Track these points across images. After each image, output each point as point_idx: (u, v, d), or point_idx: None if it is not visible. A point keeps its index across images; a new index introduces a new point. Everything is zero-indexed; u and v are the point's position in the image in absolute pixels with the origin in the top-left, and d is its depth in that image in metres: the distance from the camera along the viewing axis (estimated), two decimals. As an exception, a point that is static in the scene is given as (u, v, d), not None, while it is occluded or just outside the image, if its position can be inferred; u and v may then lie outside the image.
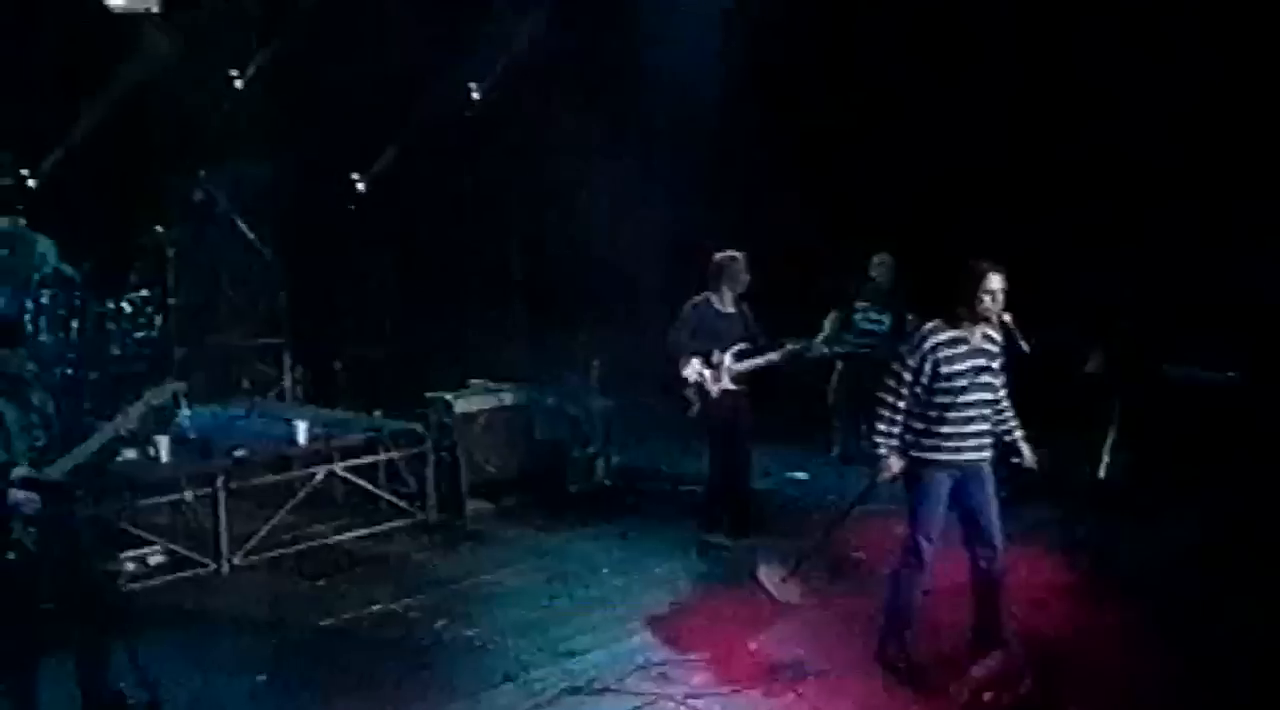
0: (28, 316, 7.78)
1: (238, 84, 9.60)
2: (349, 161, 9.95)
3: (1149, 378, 9.03)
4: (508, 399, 8.76)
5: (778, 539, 7.37)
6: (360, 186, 9.46)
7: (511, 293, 10.77)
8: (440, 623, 6.52)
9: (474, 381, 8.93)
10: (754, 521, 7.79)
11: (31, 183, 8.47)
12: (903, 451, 5.60)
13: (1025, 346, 5.54)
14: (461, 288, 10.16)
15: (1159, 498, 8.12)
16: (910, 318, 8.77)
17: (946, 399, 5.55)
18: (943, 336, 5.60)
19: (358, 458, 8.14)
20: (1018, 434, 5.87)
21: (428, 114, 9.93)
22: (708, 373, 7.54)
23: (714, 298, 7.67)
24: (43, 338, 7.80)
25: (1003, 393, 5.79)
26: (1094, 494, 8.41)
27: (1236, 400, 8.59)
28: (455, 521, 8.30)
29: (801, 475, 9.26)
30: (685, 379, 7.58)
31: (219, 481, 7.31)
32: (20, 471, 5.00)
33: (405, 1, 9.64)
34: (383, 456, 8.25)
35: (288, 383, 9.84)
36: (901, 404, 5.60)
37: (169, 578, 7.18)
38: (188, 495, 7.17)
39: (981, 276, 5.53)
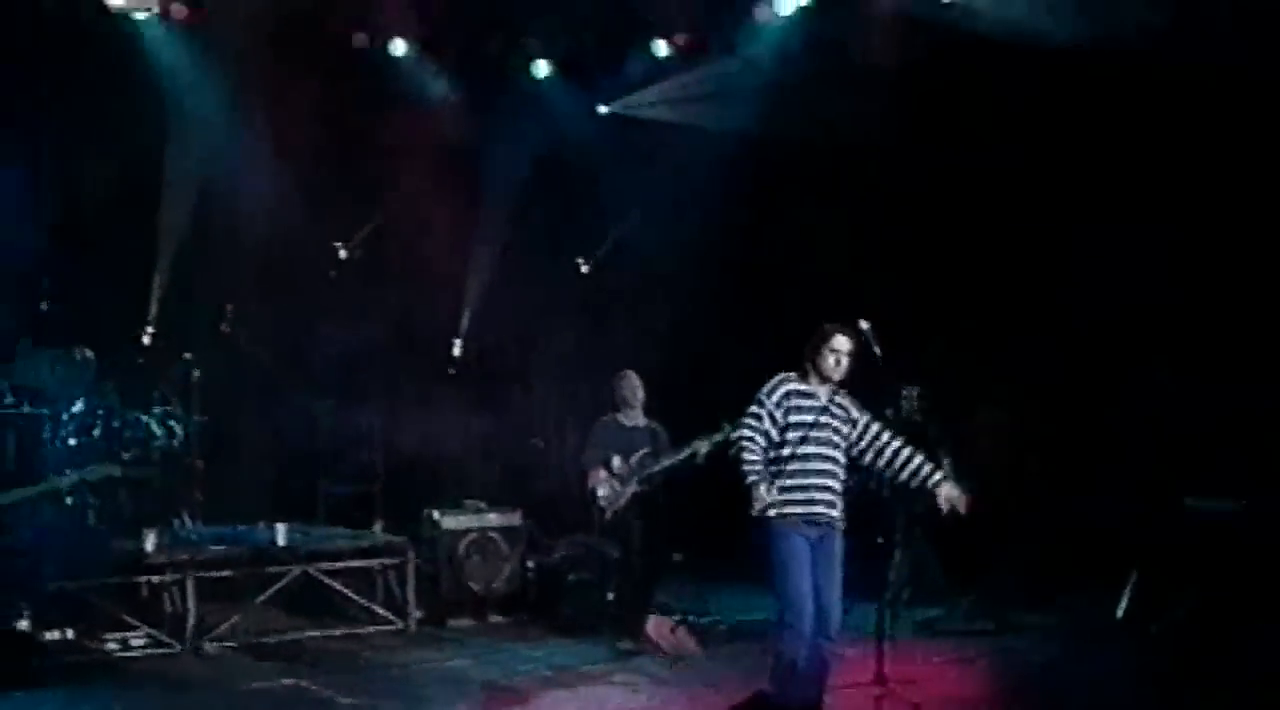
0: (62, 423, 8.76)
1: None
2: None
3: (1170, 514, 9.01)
4: (495, 520, 9.23)
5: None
6: (343, 254, 10.18)
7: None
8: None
9: (468, 501, 9.47)
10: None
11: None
12: (770, 480, 5.81)
13: (879, 352, 5.86)
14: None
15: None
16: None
17: (789, 450, 5.83)
18: (793, 387, 5.97)
19: (334, 561, 8.68)
20: (935, 476, 6.01)
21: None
22: (612, 482, 8.07)
23: (619, 415, 8.48)
24: (70, 442, 8.73)
25: (896, 442, 6.03)
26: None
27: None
28: (439, 632, 8.70)
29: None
30: (595, 491, 8.23)
31: (188, 569, 7.97)
32: None
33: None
34: (357, 563, 8.75)
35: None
36: (761, 440, 5.90)
37: (138, 654, 7.81)
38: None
39: (827, 336, 5.93)
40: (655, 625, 6.84)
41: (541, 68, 11.23)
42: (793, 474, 5.81)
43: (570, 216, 11.45)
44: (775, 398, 5.91)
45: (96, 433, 8.72)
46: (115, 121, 9.62)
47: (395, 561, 8.82)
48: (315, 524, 9.52)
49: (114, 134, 9.65)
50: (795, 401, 5.90)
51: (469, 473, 10.48)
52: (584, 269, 11.23)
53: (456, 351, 11.32)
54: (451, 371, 11.21)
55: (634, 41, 10.92)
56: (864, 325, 5.95)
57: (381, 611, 8.74)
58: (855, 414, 5.97)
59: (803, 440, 5.82)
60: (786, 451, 5.80)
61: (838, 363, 5.89)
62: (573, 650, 8.07)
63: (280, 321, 10.53)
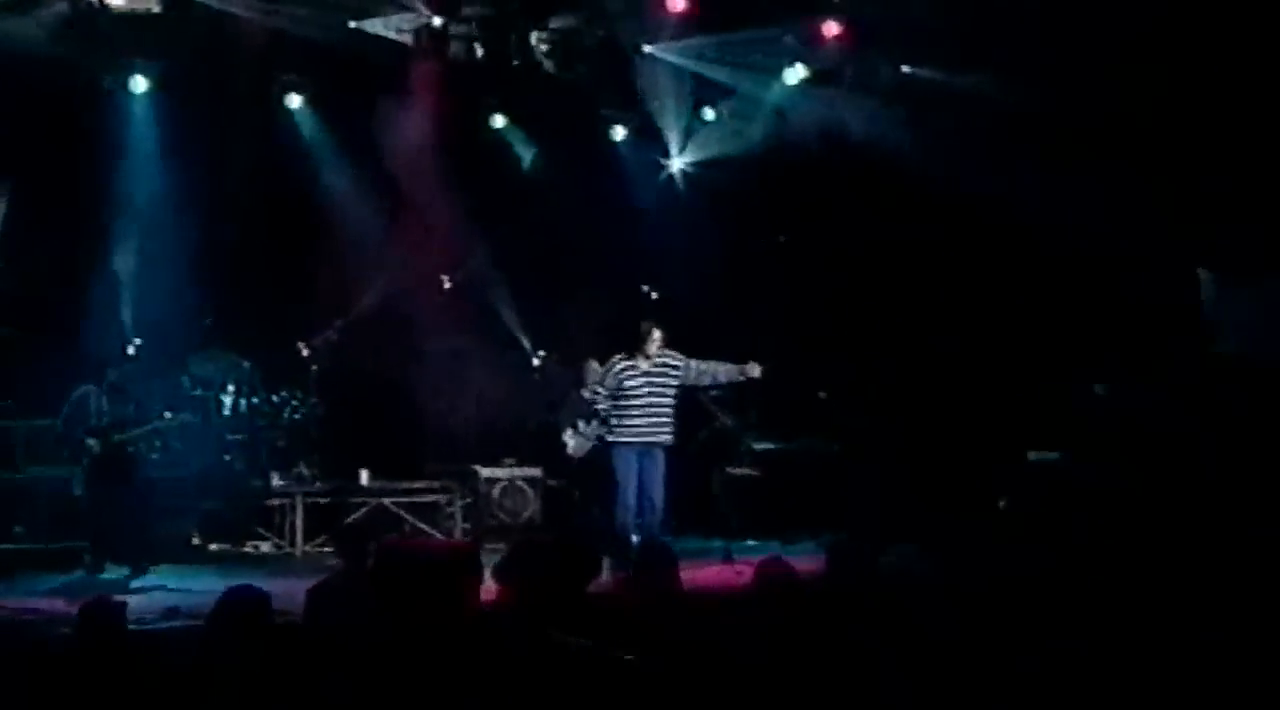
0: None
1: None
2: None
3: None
4: (521, 472, 12.78)
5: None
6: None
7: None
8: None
9: (506, 459, 13.06)
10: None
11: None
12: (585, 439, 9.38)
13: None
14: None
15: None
16: None
17: (626, 400, 9.40)
18: (624, 364, 9.61)
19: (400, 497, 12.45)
20: (733, 367, 9.72)
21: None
22: (578, 437, 11.38)
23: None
24: (225, 413, 12.61)
25: (697, 366, 9.69)
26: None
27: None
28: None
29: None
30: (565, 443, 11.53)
31: (298, 496, 11.85)
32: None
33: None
34: (418, 499, 12.50)
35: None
36: (600, 407, 9.49)
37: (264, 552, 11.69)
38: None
39: (647, 332, 9.54)
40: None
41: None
42: (628, 415, 9.46)
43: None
44: (611, 374, 9.53)
45: (242, 409, 12.62)
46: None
47: (447, 498, 12.56)
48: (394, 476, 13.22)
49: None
50: (628, 372, 9.50)
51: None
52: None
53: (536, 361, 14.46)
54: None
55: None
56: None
57: (436, 534, 12.42)
58: (678, 362, 9.43)
59: (637, 392, 9.54)
60: (625, 401, 9.42)
61: (652, 343, 9.64)
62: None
63: (387, 334, 14.26)
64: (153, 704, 5.14)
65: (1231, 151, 10.71)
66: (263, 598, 5.25)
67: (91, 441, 10.34)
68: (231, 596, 5.20)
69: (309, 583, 6.47)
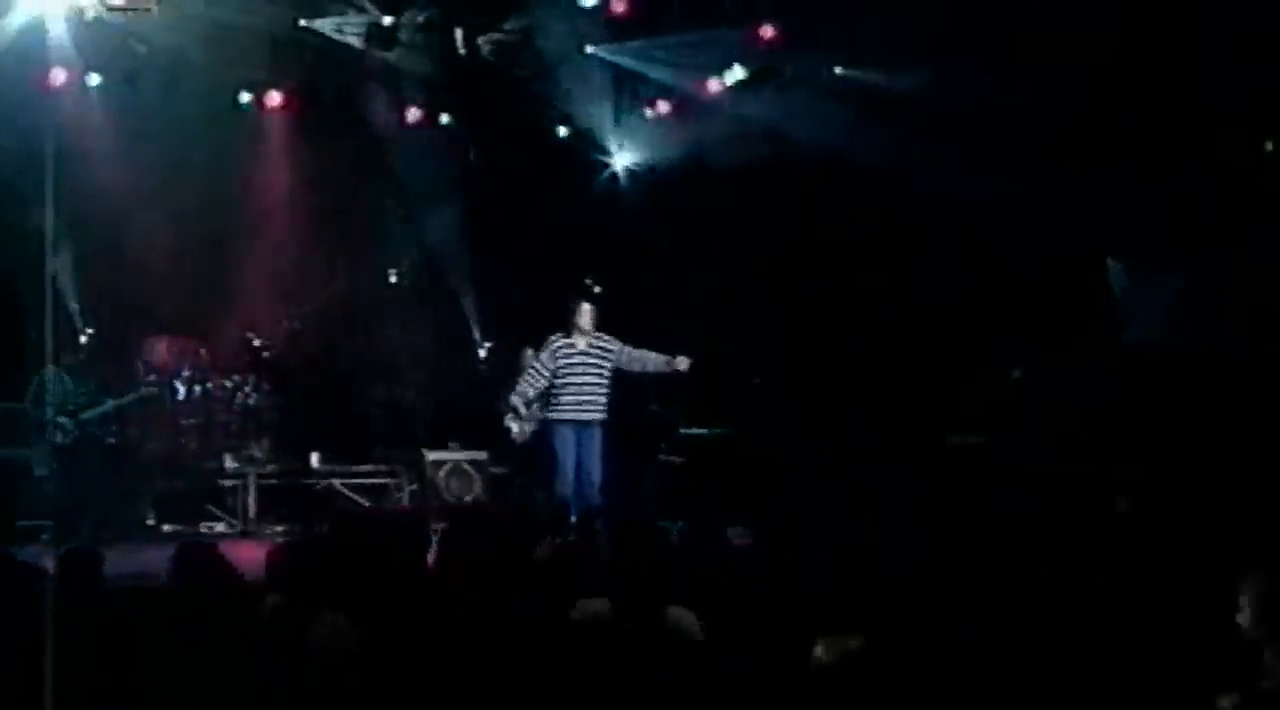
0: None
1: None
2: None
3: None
4: (466, 455, 13.25)
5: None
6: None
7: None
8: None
9: (452, 443, 13.51)
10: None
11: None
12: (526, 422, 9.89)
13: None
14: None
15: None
16: None
17: (564, 378, 9.99)
18: (562, 342, 10.18)
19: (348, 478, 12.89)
20: (662, 359, 10.28)
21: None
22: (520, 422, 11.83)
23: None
24: (179, 398, 12.98)
25: (630, 352, 10.27)
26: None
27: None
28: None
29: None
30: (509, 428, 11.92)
31: (251, 477, 12.25)
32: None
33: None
34: (365, 480, 12.95)
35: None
36: (532, 390, 9.97)
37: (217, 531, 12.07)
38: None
39: (575, 307, 10.08)
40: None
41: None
42: (565, 391, 10.05)
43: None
44: (549, 352, 10.14)
45: (196, 394, 13.01)
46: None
47: (395, 481, 13.00)
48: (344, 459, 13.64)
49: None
50: (565, 350, 10.11)
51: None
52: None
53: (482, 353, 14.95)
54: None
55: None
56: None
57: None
58: (614, 346, 9.99)
59: (572, 369, 10.12)
60: (561, 379, 10.00)
61: (583, 319, 10.24)
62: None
63: (336, 324, 14.68)
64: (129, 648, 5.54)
65: (1140, 153, 11.29)
66: (214, 547, 5.74)
67: (64, 419, 10.67)
68: (186, 547, 5.69)
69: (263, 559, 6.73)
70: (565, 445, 9.99)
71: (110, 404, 11.18)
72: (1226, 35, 10.34)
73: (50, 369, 10.97)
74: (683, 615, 5.44)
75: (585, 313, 10.26)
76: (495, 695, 4.98)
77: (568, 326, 10.33)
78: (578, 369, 10.16)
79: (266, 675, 5.02)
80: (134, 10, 11.10)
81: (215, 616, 5.33)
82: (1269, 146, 11.00)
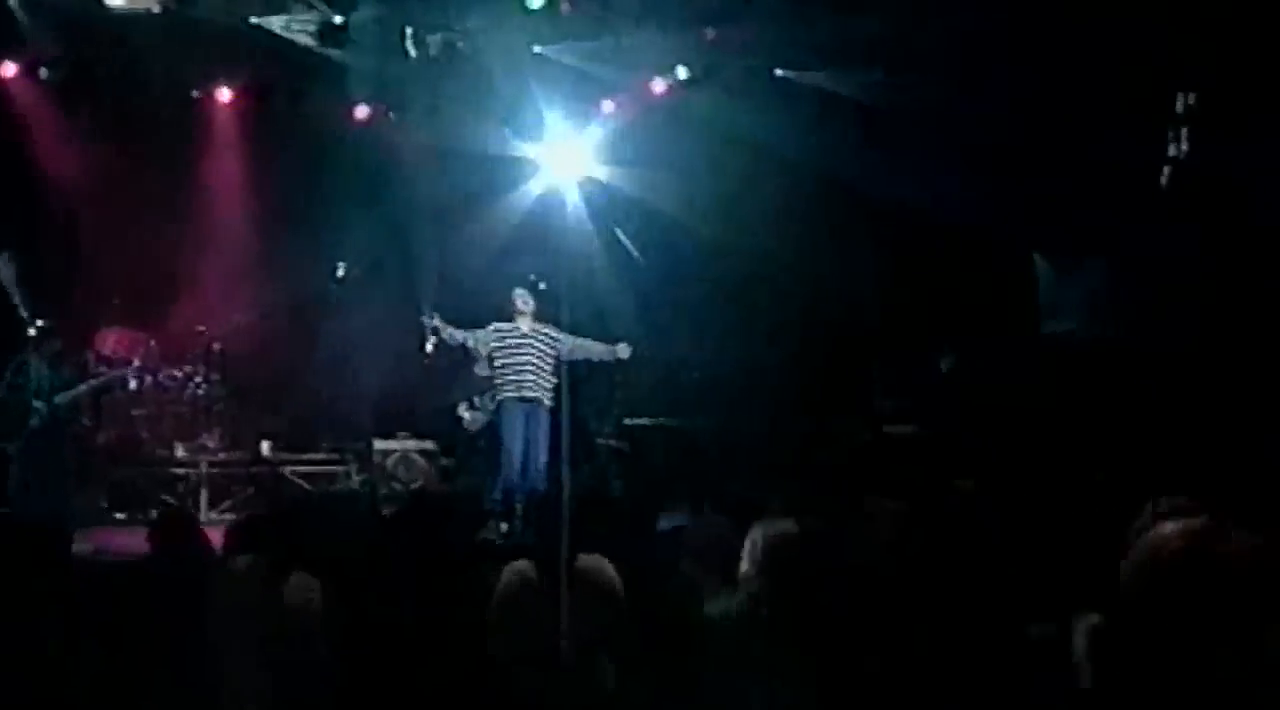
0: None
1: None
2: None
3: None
4: (415, 444, 13.54)
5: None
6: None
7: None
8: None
9: (401, 433, 13.80)
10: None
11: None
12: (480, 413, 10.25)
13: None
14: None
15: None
16: None
17: (510, 357, 10.46)
18: (504, 326, 10.68)
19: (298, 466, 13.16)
20: (605, 347, 10.83)
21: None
22: (473, 411, 12.24)
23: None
24: (130, 388, 13.19)
25: (573, 341, 10.69)
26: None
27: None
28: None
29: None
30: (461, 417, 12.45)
31: (202, 465, 12.49)
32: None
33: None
34: (315, 469, 13.22)
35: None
36: (461, 335, 10.66)
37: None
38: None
39: (514, 297, 10.63)
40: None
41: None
42: (508, 370, 10.60)
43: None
44: (489, 334, 10.68)
45: (147, 384, 13.22)
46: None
47: (344, 469, 13.28)
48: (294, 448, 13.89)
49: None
50: (505, 333, 10.62)
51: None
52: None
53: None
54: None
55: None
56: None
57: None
58: (558, 335, 10.41)
59: (515, 351, 10.66)
60: (504, 360, 10.45)
61: (522, 306, 10.74)
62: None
63: (287, 317, 14.89)
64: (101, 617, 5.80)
65: (1063, 153, 11.81)
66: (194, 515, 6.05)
67: (38, 403, 10.84)
68: (167, 515, 5.99)
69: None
70: (513, 424, 10.37)
71: (84, 387, 11.36)
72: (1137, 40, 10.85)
73: (26, 354, 11.08)
74: (596, 562, 5.75)
75: (519, 297, 10.70)
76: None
77: (510, 314, 10.74)
78: (522, 348, 10.66)
79: (244, 632, 5.34)
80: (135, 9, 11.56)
81: (193, 581, 5.62)
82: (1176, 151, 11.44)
